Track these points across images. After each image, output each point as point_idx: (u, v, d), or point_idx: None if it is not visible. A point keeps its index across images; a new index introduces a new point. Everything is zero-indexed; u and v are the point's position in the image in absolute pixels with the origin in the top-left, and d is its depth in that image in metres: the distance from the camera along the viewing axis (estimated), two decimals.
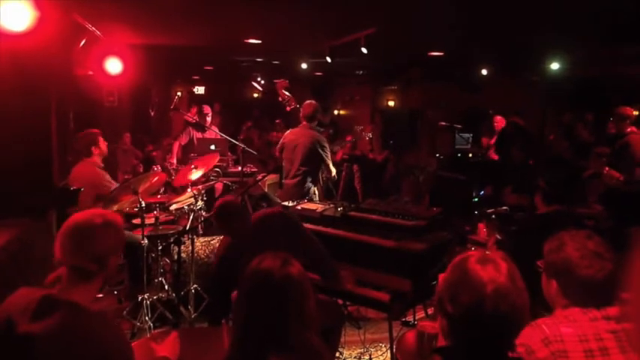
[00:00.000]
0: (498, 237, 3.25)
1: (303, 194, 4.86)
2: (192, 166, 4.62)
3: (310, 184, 5.07)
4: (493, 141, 8.26)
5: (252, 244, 2.91)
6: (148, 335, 3.72)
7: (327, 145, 5.11)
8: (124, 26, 5.73)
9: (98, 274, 1.75)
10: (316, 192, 5.16)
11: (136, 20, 5.46)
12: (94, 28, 5.12)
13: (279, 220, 3.20)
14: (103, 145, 4.67)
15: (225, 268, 3.10)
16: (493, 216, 3.29)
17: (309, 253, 3.06)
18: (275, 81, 5.65)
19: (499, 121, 8.34)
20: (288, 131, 5.35)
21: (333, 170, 5.32)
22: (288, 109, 5.52)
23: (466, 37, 6.33)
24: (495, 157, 7.76)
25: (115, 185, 4.40)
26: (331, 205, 3.95)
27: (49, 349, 1.56)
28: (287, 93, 5.49)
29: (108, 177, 4.49)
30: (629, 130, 5.57)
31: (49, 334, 1.56)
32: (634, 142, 5.45)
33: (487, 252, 1.47)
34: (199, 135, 6.96)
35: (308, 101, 5.22)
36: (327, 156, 5.10)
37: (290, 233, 3.08)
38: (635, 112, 6.16)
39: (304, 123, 5.12)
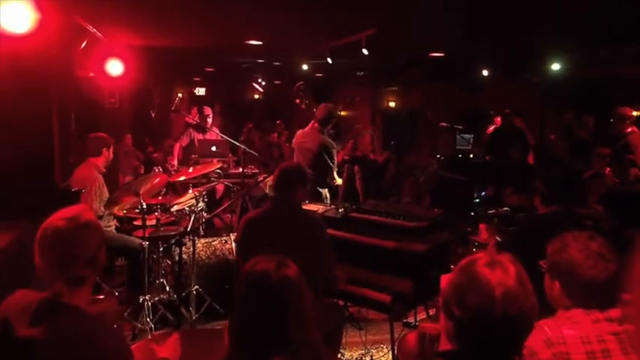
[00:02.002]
0: (498, 239, 3.25)
1: (310, 197, 4.78)
2: (190, 170, 4.66)
3: (320, 189, 5.00)
4: (490, 131, 8.28)
5: (276, 223, 2.97)
6: (149, 337, 3.73)
7: (334, 152, 5.03)
8: (124, 28, 5.74)
9: (91, 276, 1.73)
10: (327, 196, 5.11)
11: (137, 22, 5.47)
12: (95, 30, 5.13)
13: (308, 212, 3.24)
14: (112, 152, 4.70)
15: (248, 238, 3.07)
16: (496, 219, 3.28)
17: (319, 256, 3.00)
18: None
19: (499, 122, 8.36)
20: (299, 131, 5.30)
21: (337, 179, 5.28)
22: (304, 109, 5.53)
23: (466, 38, 6.33)
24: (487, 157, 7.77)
25: (95, 200, 4.37)
26: (332, 206, 3.95)
27: (48, 353, 1.56)
28: (304, 96, 5.50)
29: (98, 185, 4.45)
30: (629, 130, 5.58)
31: (48, 337, 1.55)
32: (634, 142, 5.46)
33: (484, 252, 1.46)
34: (200, 136, 6.96)
35: (323, 104, 5.17)
36: (333, 163, 5.03)
37: (314, 229, 3.06)
38: (635, 113, 6.17)
39: (316, 125, 5.06)
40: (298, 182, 3.12)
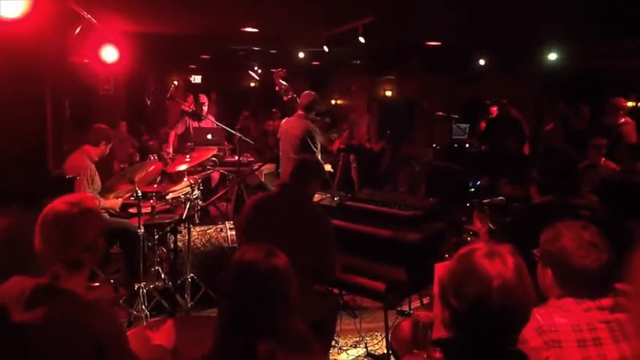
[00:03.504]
0: (492, 226, 3.26)
1: None
2: (187, 158, 4.63)
3: None
4: (482, 126, 8.28)
5: (286, 211, 3.01)
6: (144, 323, 3.73)
7: (317, 137, 5.04)
8: (119, 14, 5.68)
9: (89, 261, 1.75)
10: None
11: (132, 8, 5.42)
12: (89, 16, 5.08)
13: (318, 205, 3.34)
14: (109, 148, 4.69)
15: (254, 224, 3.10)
16: (485, 207, 3.30)
17: (324, 247, 3.02)
18: (272, 70, 5.58)
19: (495, 112, 8.36)
20: (284, 120, 5.32)
21: (325, 166, 5.26)
22: (285, 99, 5.48)
23: (464, 28, 6.30)
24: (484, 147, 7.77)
25: (87, 188, 4.36)
26: (327, 195, 3.95)
27: (43, 338, 1.57)
28: (284, 83, 5.45)
29: (90, 173, 4.42)
30: (622, 120, 5.60)
31: (43, 322, 1.57)
32: (627, 133, 5.48)
33: (481, 242, 1.46)
34: (195, 124, 6.93)
35: (306, 91, 5.18)
36: (316, 147, 5.04)
37: (322, 221, 3.09)
38: (629, 104, 6.18)
39: (300, 112, 5.08)
40: (314, 176, 3.18)
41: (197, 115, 6.88)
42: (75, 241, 1.69)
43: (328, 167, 5.48)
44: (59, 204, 1.73)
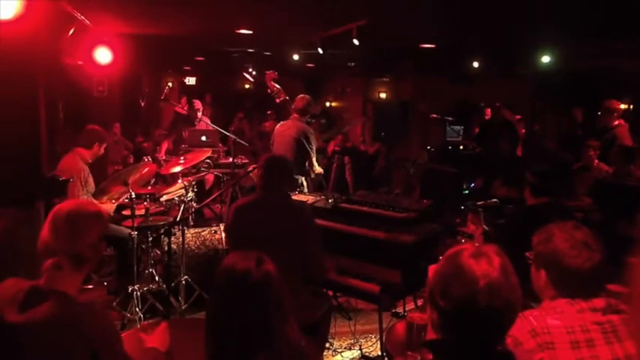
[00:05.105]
0: (486, 228, 3.27)
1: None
2: (181, 160, 4.63)
3: (299, 176, 5.04)
4: (476, 130, 8.31)
5: (267, 212, 3.01)
6: (138, 326, 3.72)
7: (312, 138, 5.07)
8: (113, 15, 5.66)
9: (89, 261, 1.76)
10: (304, 183, 5.14)
11: (126, 9, 5.40)
12: (82, 17, 5.06)
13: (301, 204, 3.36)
14: (103, 148, 4.67)
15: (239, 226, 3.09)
16: (480, 209, 3.31)
17: (308, 244, 3.02)
18: (266, 72, 5.57)
19: (490, 114, 8.39)
20: (280, 124, 5.34)
21: (317, 167, 5.27)
22: (277, 100, 5.48)
23: (458, 30, 6.32)
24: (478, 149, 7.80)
25: (81, 190, 4.36)
26: (322, 197, 3.95)
27: (37, 339, 1.57)
28: (276, 85, 5.45)
29: (83, 175, 4.41)
30: (616, 123, 5.63)
31: (37, 324, 1.57)
32: (621, 135, 5.51)
33: (476, 244, 1.47)
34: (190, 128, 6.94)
35: (301, 95, 5.21)
36: (311, 149, 5.06)
37: (304, 218, 3.08)
38: (623, 106, 6.21)
39: (295, 115, 5.12)
40: (286, 173, 3.17)
41: (190, 121, 6.89)
42: (83, 236, 1.73)
43: (319, 169, 5.47)
44: (72, 202, 1.82)
